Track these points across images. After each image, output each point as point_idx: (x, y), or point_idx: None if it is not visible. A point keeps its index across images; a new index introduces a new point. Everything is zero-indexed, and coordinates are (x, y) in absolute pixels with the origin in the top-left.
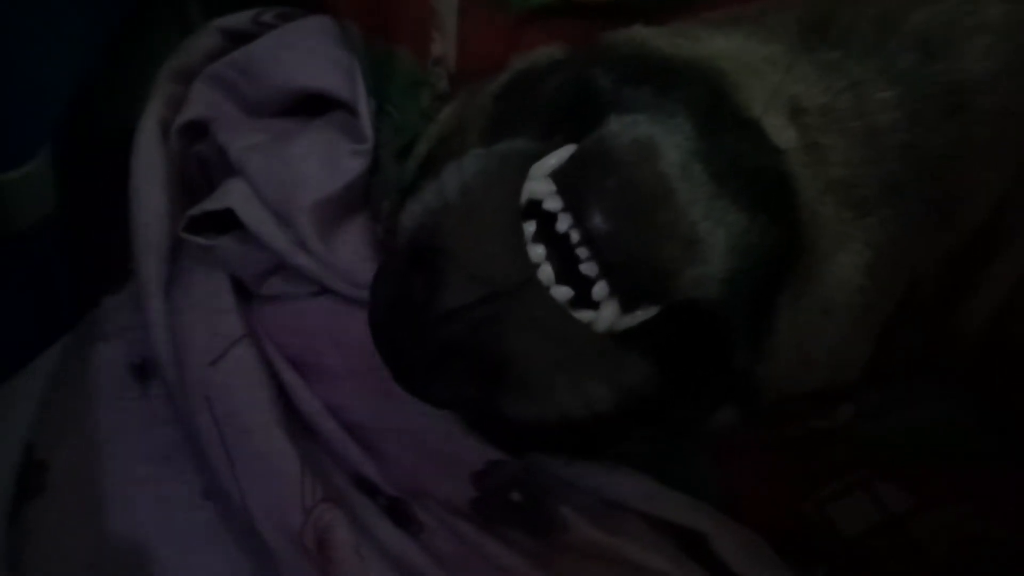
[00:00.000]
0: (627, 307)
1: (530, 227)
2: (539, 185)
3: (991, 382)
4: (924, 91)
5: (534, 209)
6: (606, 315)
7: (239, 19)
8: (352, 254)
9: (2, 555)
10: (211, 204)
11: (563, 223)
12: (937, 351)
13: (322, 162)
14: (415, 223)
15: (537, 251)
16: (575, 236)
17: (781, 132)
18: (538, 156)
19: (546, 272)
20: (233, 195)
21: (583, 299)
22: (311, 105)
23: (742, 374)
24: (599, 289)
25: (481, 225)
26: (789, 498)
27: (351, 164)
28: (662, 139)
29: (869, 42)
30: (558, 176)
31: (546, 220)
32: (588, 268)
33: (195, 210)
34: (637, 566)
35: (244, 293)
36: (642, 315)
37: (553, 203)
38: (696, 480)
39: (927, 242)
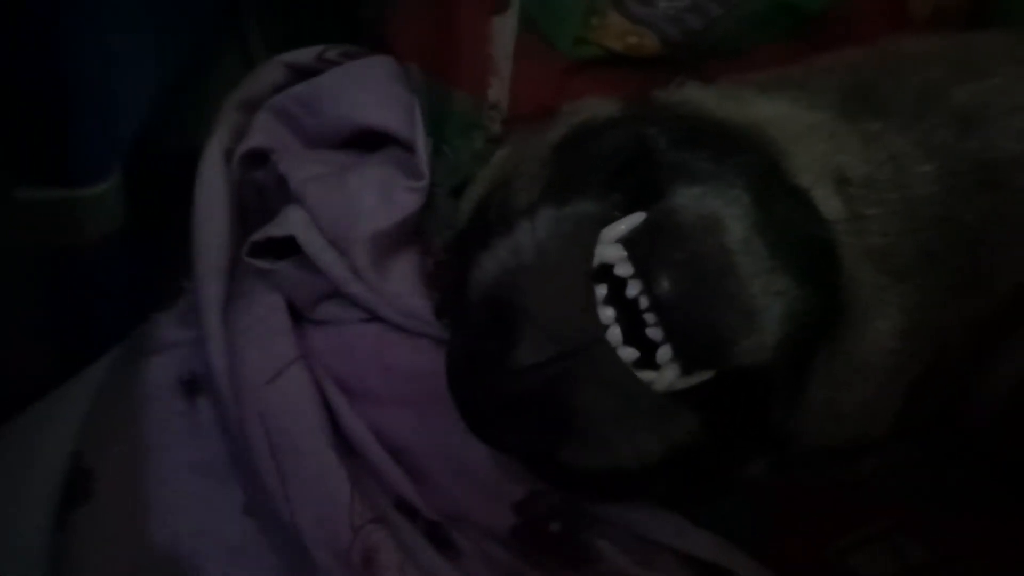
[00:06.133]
0: (686, 370)
1: (601, 290)
2: (610, 251)
3: (1006, 444)
4: (960, 166)
5: (605, 273)
6: (667, 377)
7: (304, 55)
8: (403, 285)
9: (46, 556)
10: (274, 230)
11: (633, 289)
12: (960, 412)
13: (380, 196)
14: (491, 279)
15: (607, 313)
16: (644, 302)
17: (827, 202)
18: (607, 220)
19: (614, 334)
20: (294, 223)
21: (646, 360)
22: (368, 140)
23: (776, 428)
24: (663, 353)
25: (555, 286)
26: (812, 545)
27: (407, 200)
28: (726, 213)
29: (909, 115)
30: (629, 243)
31: (616, 284)
32: (654, 333)
33: (258, 235)
34: None
35: (296, 316)
36: (698, 378)
37: (624, 269)
38: (730, 522)
39: (956, 309)
